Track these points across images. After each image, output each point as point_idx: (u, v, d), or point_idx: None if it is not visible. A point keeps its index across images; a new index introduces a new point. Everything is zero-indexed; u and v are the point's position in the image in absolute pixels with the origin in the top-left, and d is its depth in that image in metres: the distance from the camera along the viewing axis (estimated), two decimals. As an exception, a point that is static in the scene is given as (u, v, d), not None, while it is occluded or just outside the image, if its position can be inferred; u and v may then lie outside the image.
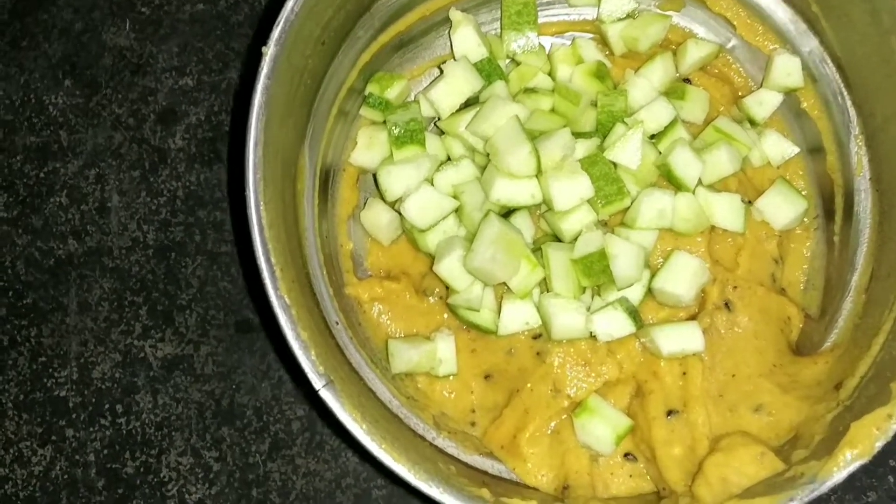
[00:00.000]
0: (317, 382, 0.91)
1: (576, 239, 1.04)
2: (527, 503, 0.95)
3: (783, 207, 1.08)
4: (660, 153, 1.06)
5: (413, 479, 0.90)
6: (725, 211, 1.05)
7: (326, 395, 0.92)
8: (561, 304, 1.03)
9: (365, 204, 1.14)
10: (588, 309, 1.04)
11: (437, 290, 1.11)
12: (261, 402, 1.20)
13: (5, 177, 1.24)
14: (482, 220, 1.03)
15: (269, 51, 0.95)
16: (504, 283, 1.05)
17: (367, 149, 1.12)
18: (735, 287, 1.05)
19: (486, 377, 1.09)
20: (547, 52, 1.16)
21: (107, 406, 1.21)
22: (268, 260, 0.92)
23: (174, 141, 1.25)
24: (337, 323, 1.06)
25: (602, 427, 1.02)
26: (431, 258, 1.09)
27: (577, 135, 1.06)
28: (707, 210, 1.04)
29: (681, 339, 1.01)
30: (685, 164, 1.03)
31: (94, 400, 1.21)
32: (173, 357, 1.21)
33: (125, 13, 1.27)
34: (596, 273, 1.01)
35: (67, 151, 1.25)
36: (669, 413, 1.03)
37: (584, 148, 1.05)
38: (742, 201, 1.06)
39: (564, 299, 1.03)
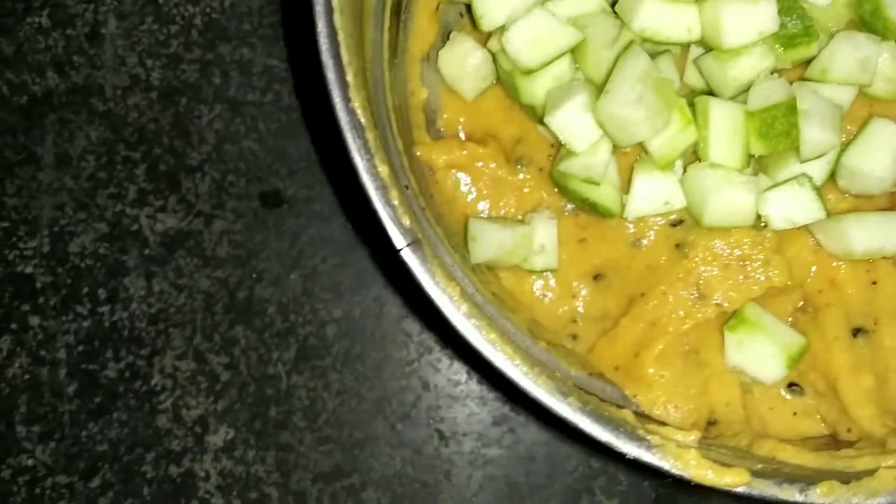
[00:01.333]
0: (400, 239, 0.64)
1: (738, 95, 0.77)
2: (680, 435, 0.68)
3: None
4: None
5: (537, 389, 0.63)
6: None
7: (411, 259, 0.64)
8: (722, 177, 0.76)
9: (447, 40, 0.86)
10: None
11: (538, 158, 0.84)
12: (287, 297, 0.93)
13: (-32, -15, 0.95)
14: (622, 55, 0.76)
15: None
16: (631, 154, 0.80)
17: None
18: None
19: (597, 277, 0.83)
20: None
21: (85, 290, 0.93)
22: (336, 56, 0.64)
23: (193, -47, 0.96)
24: (406, 187, 0.78)
25: (768, 346, 0.76)
26: (529, 117, 0.83)
27: None
28: None
29: (882, 233, 0.76)
30: None
31: (69, 281, 0.93)
32: (176, 232, 0.94)
33: None
34: (777, 135, 0.75)
35: (52, -43, 0.96)
36: (856, 332, 0.77)
37: None
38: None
39: (727, 171, 0.76)
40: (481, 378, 0.92)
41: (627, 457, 0.61)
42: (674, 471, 0.61)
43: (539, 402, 0.62)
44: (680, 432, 0.66)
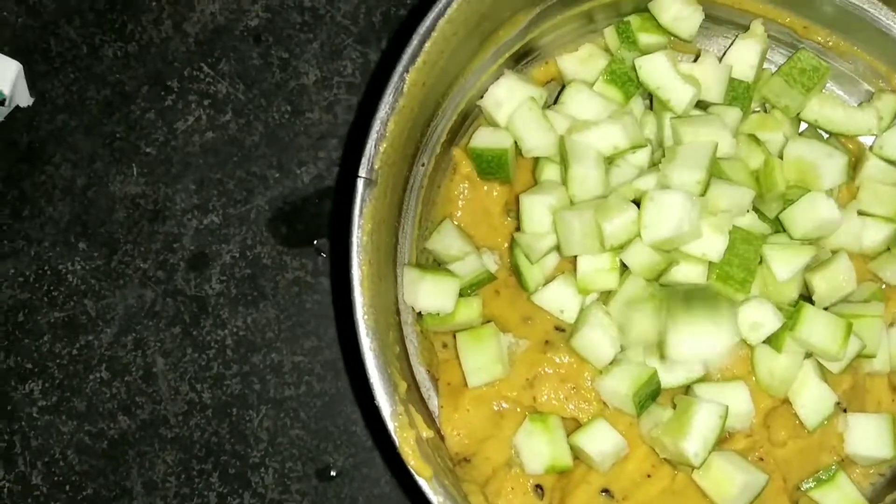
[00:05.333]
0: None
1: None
2: (425, 431, 0.93)
3: None
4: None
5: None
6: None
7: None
8: (602, 323, 0.98)
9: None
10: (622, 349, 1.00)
11: None
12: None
13: (36, 362, 1.16)
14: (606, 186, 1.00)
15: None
16: (571, 265, 1.01)
17: (582, 62, 1.09)
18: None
19: (486, 322, 1.04)
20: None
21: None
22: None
23: (211, 286, 1.17)
24: (423, 165, 1.03)
25: (545, 445, 0.99)
26: None
27: (759, 213, 1.01)
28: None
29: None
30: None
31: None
32: (257, 520, 1.13)
33: (129, 158, 1.19)
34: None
35: (97, 321, 1.17)
36: (604, 491, 1.00)
37: (750, 222, 1.00)
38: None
39: (610, 321, 0.99)
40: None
41: None
42: None
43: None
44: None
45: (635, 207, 0.96)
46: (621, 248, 0.98)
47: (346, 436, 1.14)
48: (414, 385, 1.00)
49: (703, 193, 0.97)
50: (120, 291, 1.17)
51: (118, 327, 1.16)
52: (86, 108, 1.20)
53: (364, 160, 0.89)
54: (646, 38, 1.07)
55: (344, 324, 1.13)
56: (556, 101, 1.07)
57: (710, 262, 0.98)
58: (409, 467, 0.86)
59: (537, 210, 1.00)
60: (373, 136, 0.89)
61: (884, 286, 1.07)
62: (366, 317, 0.88)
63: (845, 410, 1.04)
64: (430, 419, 1.00)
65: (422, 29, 0.90)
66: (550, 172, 1.04)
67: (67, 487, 1.14)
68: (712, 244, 0.96)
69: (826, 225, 1.00)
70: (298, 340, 1.16)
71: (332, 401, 1.15)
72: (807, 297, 1.02)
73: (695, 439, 0.95)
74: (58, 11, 1.22)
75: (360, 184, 0.89)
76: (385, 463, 1.12)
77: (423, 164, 1.03)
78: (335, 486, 1.13)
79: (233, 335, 1.16)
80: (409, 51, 0.90)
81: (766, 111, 1.10)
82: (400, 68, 0.90)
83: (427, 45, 0.90)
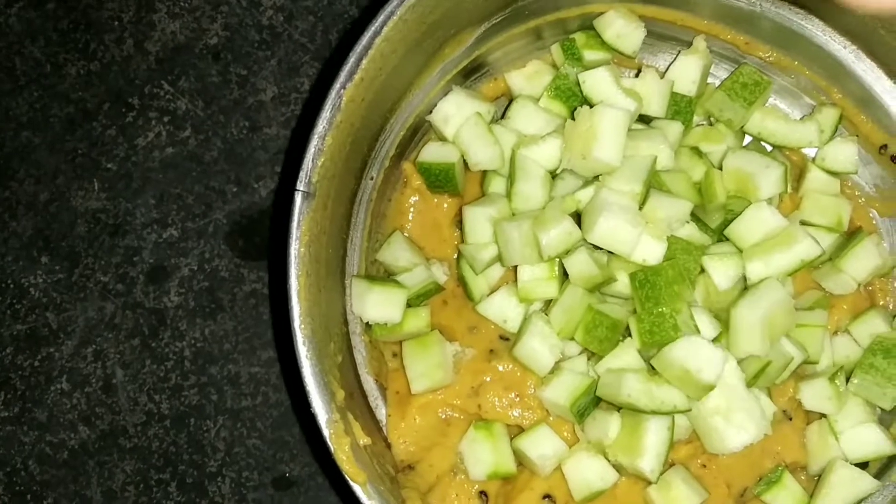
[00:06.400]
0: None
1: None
2: (363, 439, 0.95)
3: None
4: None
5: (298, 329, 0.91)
6: None
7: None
8: (542, 332, 1.01)
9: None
10: (562, 354, 1.03)
11: None
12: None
13: (-2, 373, 1.19)
14: (548, 202, 1.02)
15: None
16: (515, 276, 1.03)
17: (528, 77, 1.12)
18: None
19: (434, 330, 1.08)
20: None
21: None
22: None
23: (169, 299, 1.20)
24: (371, 178, 1.06)
25: (489, 452, 1.02)
26: None
27: (700, 223, 1.04)
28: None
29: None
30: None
31: None
32: (214, 530, 1.15)
33: (91, 173, 1.22)
34: (596, 338, 0.99)
35: (59, 333, 1.20)
36: (546, 496, 1.03)
37: (690, 232, 1.02)
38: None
39: (550, 330, 1.02)
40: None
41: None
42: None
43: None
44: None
45: (570, 219, 0.99)
46: (559, 257, 1.00)
47: (302, 445, 1.17)
48: (360, 394, 1.03)
49: (641, 205, 1.00)
50: (81, 304, 1.20)
51: (79, 339, 1.19)
52: (49, 125, 1.23)
53: (302, 174, 0.92)
54: (590, 55, 1.10)
55: (283, 336, 1.15)
56: (503, 116, 1.10)
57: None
58: (343, 473, 0.89)
59: (479, 221, 1.03)
60: (310, 150, 0.92)
61: (827, 294, 1.10)
62: (302, 326, 0.90)
63: (791, 419, 1.07)
64: (375, 428, 1.03)
65: (358, 47, 0.93)
66: (498, 185, 1.07)
67: (28, 497, 1.17)
68: (651, 250, 0.99)
69: (773, 232, 1.02)
70: (255, 352, 1.19)
71: (288, 411, 1.18)
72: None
73: (650, 457, 0.98)
74: (23, 31, 1.26)
75: (298, 197, 0.92)
76: (322, 471, 1.15)
77: (371, 178, 1.06)
78: (291, 495, 1.16)
79: (191, 347, 1.19)
80: (345, 68, 0.93)
81: (711, 124, 1.12)
82: (337, 85, 0.93)
83: (364, 62, 0.93)
